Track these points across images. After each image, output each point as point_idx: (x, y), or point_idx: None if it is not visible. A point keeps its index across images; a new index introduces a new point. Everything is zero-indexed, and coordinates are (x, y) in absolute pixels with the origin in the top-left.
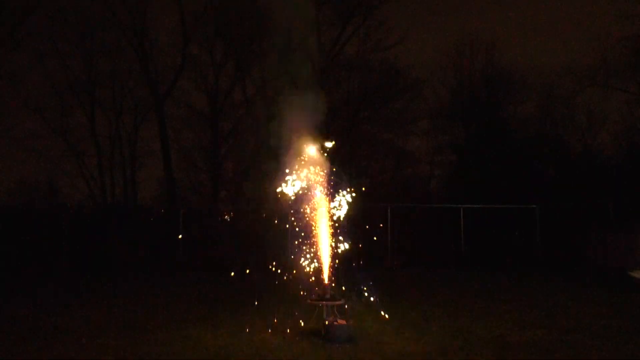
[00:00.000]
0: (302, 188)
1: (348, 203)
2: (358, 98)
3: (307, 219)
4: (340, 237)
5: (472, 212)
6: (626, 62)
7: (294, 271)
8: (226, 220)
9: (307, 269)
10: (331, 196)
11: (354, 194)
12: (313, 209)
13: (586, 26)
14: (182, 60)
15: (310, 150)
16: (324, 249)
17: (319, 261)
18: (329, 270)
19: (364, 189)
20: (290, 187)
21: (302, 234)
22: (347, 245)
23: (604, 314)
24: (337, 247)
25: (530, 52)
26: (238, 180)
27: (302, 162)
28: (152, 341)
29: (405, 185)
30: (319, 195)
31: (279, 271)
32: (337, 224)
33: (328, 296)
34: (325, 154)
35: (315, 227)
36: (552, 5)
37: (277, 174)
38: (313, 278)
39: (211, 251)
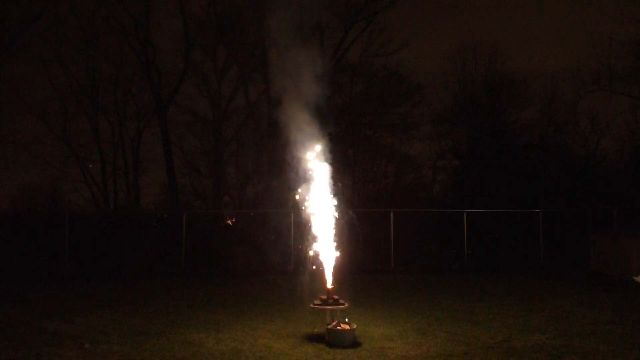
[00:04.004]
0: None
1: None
2: (361, 103)
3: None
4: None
5: (475, 216)
6: (630, 66)
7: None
8: (229, 224)
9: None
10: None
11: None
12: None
13: (589, 31)
14: (184, 65)
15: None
16: (327, 254)
17: (321, 266)
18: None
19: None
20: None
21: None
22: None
23: (608, 319)
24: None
25: (534, 57)
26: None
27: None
28: (155, 346)
29: (408, 190)
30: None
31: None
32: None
33: (331, 301)
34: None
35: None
36: (555, 10)
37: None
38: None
39: (214, 256)
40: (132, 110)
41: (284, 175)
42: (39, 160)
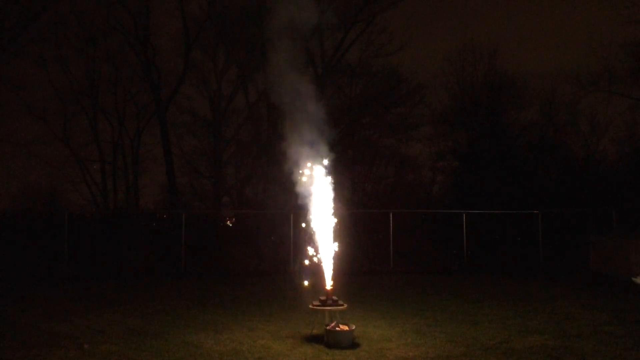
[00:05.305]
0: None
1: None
2: (360, 103)
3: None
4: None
5: (475, 217)
6: (629, 68)
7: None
8: (228, 225)
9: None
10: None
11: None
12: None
13: (589, 32)
14: (184, 66)
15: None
16: (325, 255)
17: (320, 267)
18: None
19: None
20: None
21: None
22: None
23: (607, 320)
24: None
25: (533, 58)
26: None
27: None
28: (154, 347)
29: (408, 190)
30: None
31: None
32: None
33: (330, 301)
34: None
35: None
36: (555, 11)
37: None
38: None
39: (213, 256)
40: (131, 110)
41: (283, 176)
42: (39, 160)
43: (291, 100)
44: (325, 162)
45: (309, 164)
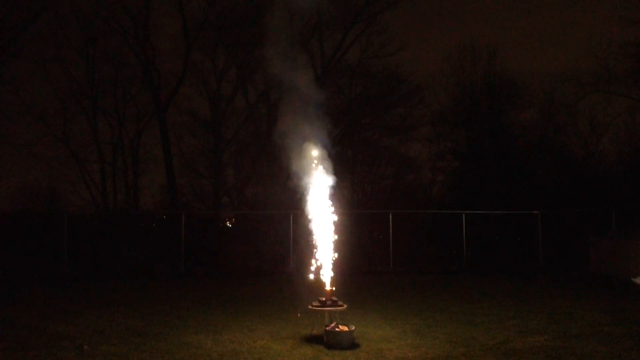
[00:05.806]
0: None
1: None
2: (360, 104)
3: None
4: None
5: (474, 218)
6: (629, 68)
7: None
8: (228, 225)
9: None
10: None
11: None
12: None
13: (589, 32)
14: (184, 66)
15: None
16: (325, 255)
17: (320, 267)
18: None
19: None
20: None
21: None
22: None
23: (607, 320)
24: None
25: (533, 58)
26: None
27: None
28: (153, 348)
29: (407, 191)
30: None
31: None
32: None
33: (330, 302)
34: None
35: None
36: (555, 11)
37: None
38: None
39: (213, 256)
40: (131, 111)
41: (283, 176)
42: (39, 161)
43: (290, 99)
44: (315, 153)
45: (311, 149)
